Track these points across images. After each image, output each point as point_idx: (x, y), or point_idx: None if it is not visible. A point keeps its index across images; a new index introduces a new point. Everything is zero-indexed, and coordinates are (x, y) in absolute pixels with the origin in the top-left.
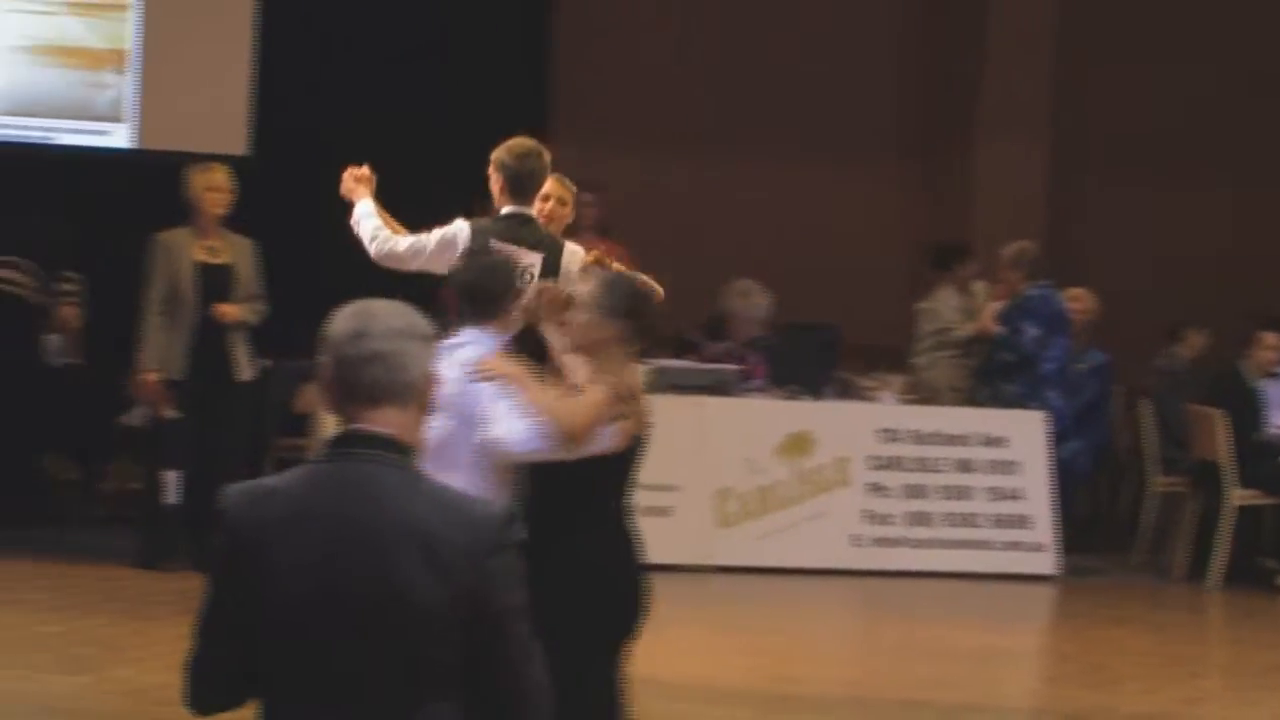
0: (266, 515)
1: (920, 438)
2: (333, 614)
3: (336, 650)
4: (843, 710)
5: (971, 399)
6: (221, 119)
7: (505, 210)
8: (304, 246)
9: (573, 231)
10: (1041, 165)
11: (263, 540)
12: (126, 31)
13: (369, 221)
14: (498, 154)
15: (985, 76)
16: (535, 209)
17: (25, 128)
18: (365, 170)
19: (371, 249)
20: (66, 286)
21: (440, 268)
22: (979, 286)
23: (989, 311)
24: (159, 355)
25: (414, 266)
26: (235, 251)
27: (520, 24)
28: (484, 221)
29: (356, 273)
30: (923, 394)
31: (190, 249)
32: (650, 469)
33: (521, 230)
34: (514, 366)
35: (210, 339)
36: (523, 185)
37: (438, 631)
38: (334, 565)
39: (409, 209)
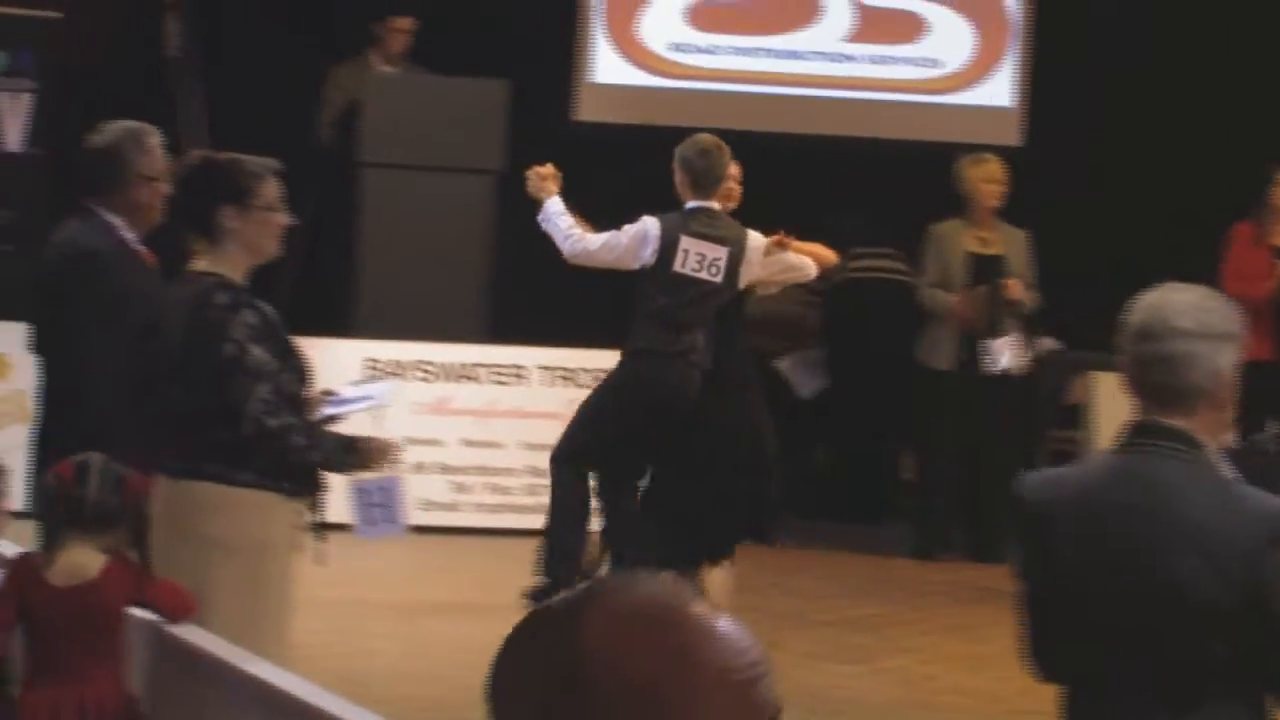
0: (1056, 500)
1: None
2: (1115, 604)
3: (1122, 639)
4: None
5: None
6: (995, 110)
7: (690, 205)
8: (1077, 238)
9: None
10: None
11: (1051, 525)
12: None
13: (562, 220)
14: (681, 149)
15: None
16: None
17: None
18: (550, 169)
19: (565, 247)
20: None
21: (632, 264)
22: None
23: None
24: (928, 345)
25: (604, 262)
26: (1008, 242)
27: None
28: (672, 217)
29: (1130, 263)
30: None
31: (962, 240)
32: None
33: (707, 224)
34: None
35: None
36: (706, 180)
37: (1218, 627)
38: (1116, 557)
39: (1191, 198)
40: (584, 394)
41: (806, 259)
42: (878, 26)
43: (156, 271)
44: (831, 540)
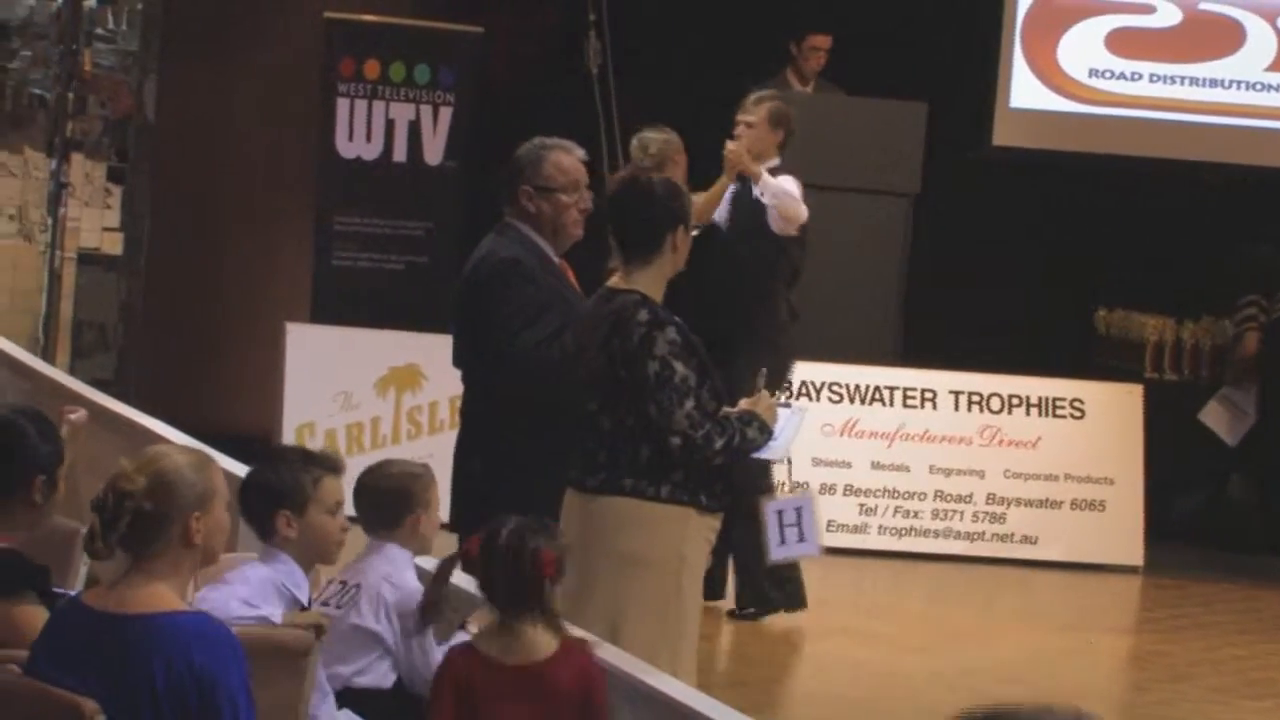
0: None
1: None
2: None
3: None
4: None
5: None
6: None
7: None
8: None
9: None
10: None
11: None
12: None
13: None
14: None
15: None
16: None
17: None
18: None
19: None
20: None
21: None
22: None
23: None
24: None
25: None
26: None
27: None
28: None
29: None
30: None
31: None
32: None
33: None
34: None
35: None
36: None
37: None
38: None
39: None
40: (994, 419)
41: None
42: None
43: (574, 286)
44: (1245, 574)
